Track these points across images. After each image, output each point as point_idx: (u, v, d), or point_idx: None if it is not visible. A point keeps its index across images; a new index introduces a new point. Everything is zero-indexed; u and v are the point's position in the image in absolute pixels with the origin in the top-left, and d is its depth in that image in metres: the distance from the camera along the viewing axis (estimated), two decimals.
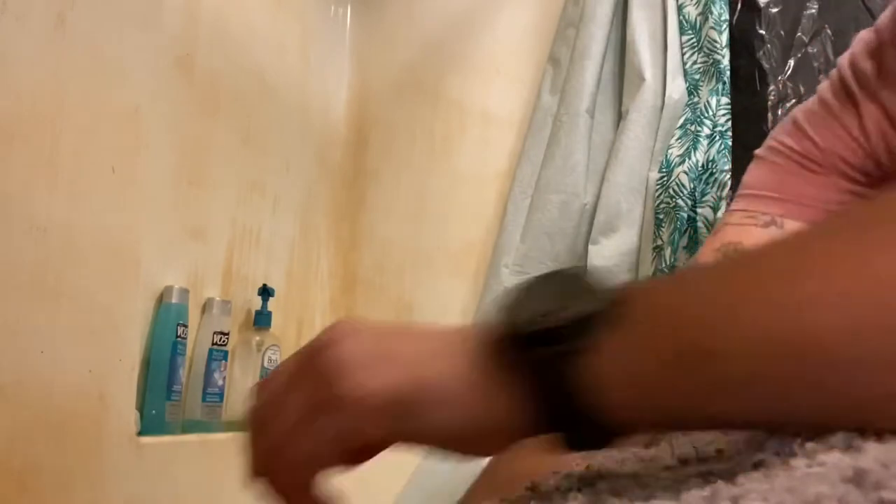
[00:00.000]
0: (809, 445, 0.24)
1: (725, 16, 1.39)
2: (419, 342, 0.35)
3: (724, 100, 1.36)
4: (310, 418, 0.34)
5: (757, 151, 0.73)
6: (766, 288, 0.28)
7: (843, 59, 0.67)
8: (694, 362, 0.28)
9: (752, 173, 0.72)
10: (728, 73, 1.36)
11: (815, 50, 1.31)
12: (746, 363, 0.27)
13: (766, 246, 0.31)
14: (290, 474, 0.36)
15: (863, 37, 0.66)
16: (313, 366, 0.35)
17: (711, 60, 1.38)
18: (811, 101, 0.70)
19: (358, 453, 0.36)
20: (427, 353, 0.34)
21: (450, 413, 0.32)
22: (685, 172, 1.34)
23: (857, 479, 0.23)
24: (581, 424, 0.30)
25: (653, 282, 0.30)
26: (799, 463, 0.25)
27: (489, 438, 0.33)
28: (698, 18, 1.41)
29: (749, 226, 0.68)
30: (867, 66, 0.64)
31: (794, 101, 1.30)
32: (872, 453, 0.24)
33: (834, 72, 0.68)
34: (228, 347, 1.35)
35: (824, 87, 0.69)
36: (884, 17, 0.65)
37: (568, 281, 0.33)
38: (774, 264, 0.29)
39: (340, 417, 0.33)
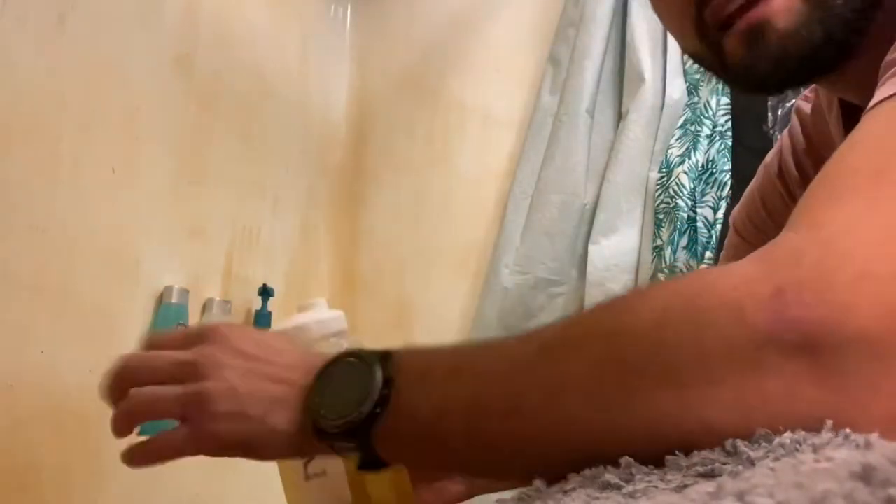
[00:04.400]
0: (817, 440, 0.24)
1: None
2: (267, 391, 0.46)
3: (724, 100, 1.36)
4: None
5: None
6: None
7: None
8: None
9: None
10: None
11: None
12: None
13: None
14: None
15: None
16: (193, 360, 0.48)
17: None
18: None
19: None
20: (272, 406, 0.45)
21: (273, 453, 0.47)
22: (685, 172, 1.34)
23: (865, 475, 0.23)
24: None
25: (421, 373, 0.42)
26: (806, 458, 0.24)
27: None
28: None
29: None
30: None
31: (793, 100, 1.29)
32: (881, 450, 0.24)
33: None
34: None
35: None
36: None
37: (355, 373, 0.43)
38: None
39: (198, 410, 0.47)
